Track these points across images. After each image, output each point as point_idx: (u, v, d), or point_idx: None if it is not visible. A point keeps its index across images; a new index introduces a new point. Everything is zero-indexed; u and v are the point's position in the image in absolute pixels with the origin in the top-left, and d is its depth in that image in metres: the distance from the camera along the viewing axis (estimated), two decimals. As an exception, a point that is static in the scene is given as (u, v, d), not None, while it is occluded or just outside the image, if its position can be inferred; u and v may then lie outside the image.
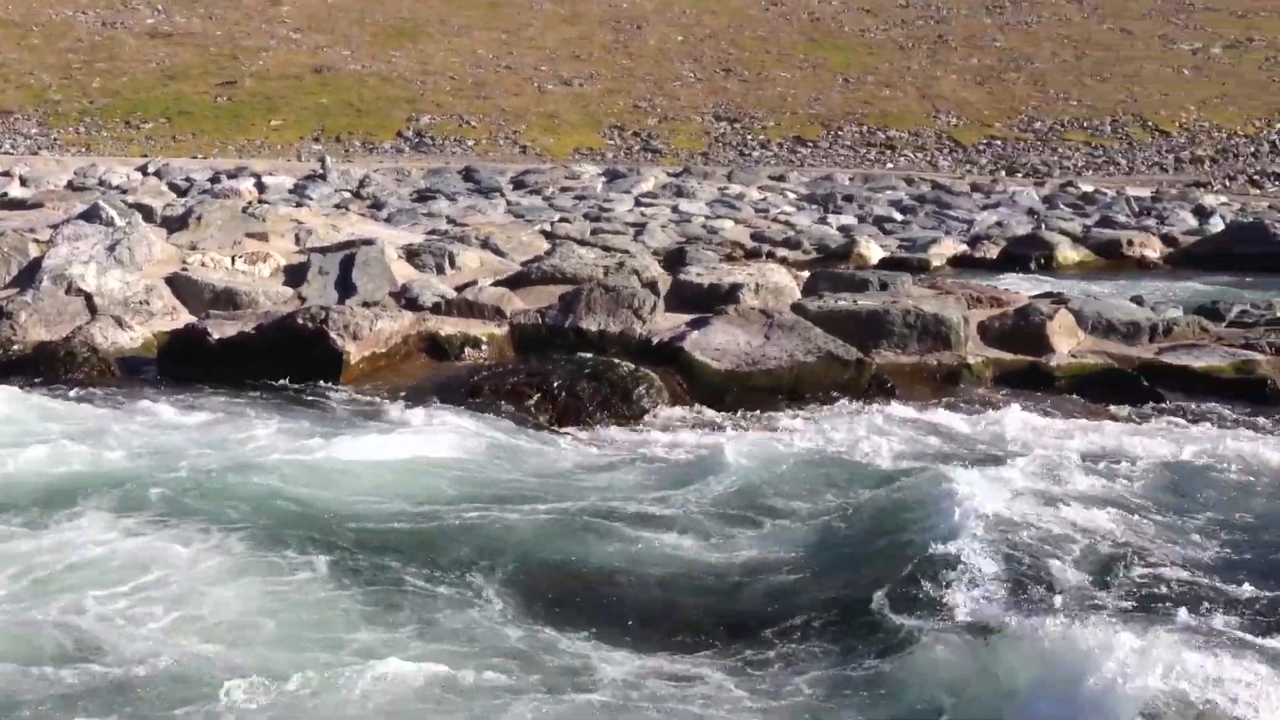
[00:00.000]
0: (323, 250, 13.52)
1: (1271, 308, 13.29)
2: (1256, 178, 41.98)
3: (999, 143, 46.48)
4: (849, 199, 28.80)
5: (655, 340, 11.10)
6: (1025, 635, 5.51)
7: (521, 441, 8.96)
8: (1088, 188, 34.62)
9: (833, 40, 55.22)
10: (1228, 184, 40.77)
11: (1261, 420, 9.74)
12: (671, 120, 45.96)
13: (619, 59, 51.17)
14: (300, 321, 10.91)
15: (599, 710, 5.20)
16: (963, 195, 30.94)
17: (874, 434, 8.97)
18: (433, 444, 8.70)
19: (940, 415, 9.73)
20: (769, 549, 6.98)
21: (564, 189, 29.10)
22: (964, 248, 23.28)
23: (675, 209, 26.06)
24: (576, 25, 53.44)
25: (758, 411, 9.89)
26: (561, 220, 24.18)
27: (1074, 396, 10.46)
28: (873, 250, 22.01)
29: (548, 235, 21.61)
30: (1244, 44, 58.51)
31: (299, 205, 23.33)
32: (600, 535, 7.05)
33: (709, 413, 9.94)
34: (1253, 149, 47.35)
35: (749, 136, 45.02)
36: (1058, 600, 6.00)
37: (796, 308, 11.57)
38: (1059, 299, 12.64)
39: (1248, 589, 6.24)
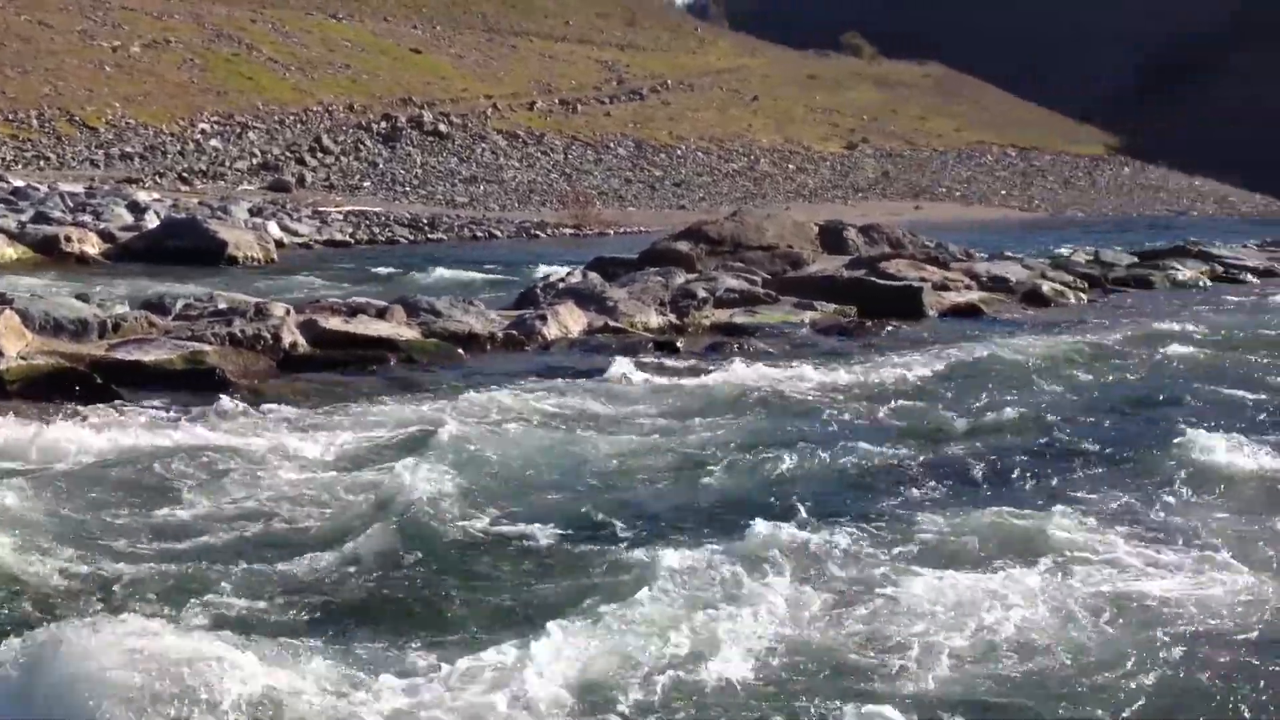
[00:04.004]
0: None
1: (214, 299, 14.08)
2: (186, 175, 43.89)
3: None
4: None
5: None
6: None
7: None
8: (19, 183, 33.51)
9: None
10: (159, 180, 42.12)
11: (202, 407, 9.99)
12: None
13: None
14: None
15: None
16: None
17: None
18: None
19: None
20: None
21: None
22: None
23: None
24: None
25: None
26: None
27: (28, 401, 10.09)
28: None
29: None
30: (163, 44, 60.63)
31: None
32: None
33: None
34: (179, 147, 49.36)
35: None
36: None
37: None
38: (3, 299, 12.10)
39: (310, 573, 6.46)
